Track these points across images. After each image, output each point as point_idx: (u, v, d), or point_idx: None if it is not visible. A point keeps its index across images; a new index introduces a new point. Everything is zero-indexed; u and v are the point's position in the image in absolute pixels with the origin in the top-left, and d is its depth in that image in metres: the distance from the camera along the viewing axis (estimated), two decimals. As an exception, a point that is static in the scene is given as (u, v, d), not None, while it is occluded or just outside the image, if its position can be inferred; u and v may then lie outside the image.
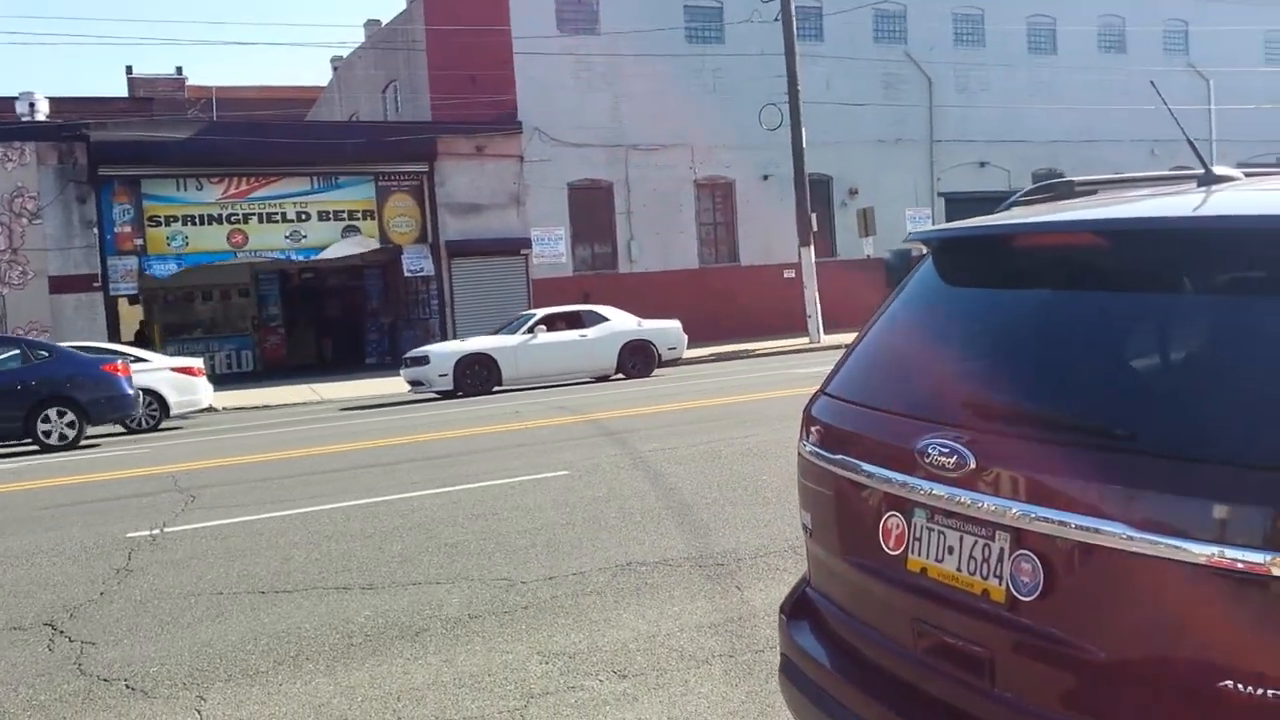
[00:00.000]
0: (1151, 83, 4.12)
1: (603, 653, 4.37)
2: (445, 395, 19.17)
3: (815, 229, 27.02)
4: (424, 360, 19.23)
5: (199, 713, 4.04)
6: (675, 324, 21.52)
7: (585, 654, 4.38)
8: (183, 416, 18.51)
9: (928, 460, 2.15)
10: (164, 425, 17.70)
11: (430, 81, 31.08)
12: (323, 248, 28.40)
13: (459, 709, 3.91)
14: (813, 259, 26.47)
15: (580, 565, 5.75)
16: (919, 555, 2.25)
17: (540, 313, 20.67)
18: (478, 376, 19.10)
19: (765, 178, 32.17)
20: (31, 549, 7.26)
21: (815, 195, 28.99)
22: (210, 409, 19.09)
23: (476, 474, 9.17)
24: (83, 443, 14.98)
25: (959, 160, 34.54)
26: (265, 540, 7.05)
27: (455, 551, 6.29)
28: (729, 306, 30.41)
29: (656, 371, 20.79)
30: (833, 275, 29.40)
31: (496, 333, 20.70)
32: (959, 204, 33.37)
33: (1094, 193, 2.72)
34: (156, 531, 7.59)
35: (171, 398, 17.50)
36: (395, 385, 21.46)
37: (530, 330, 19.82)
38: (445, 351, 19.45)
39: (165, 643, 4.93)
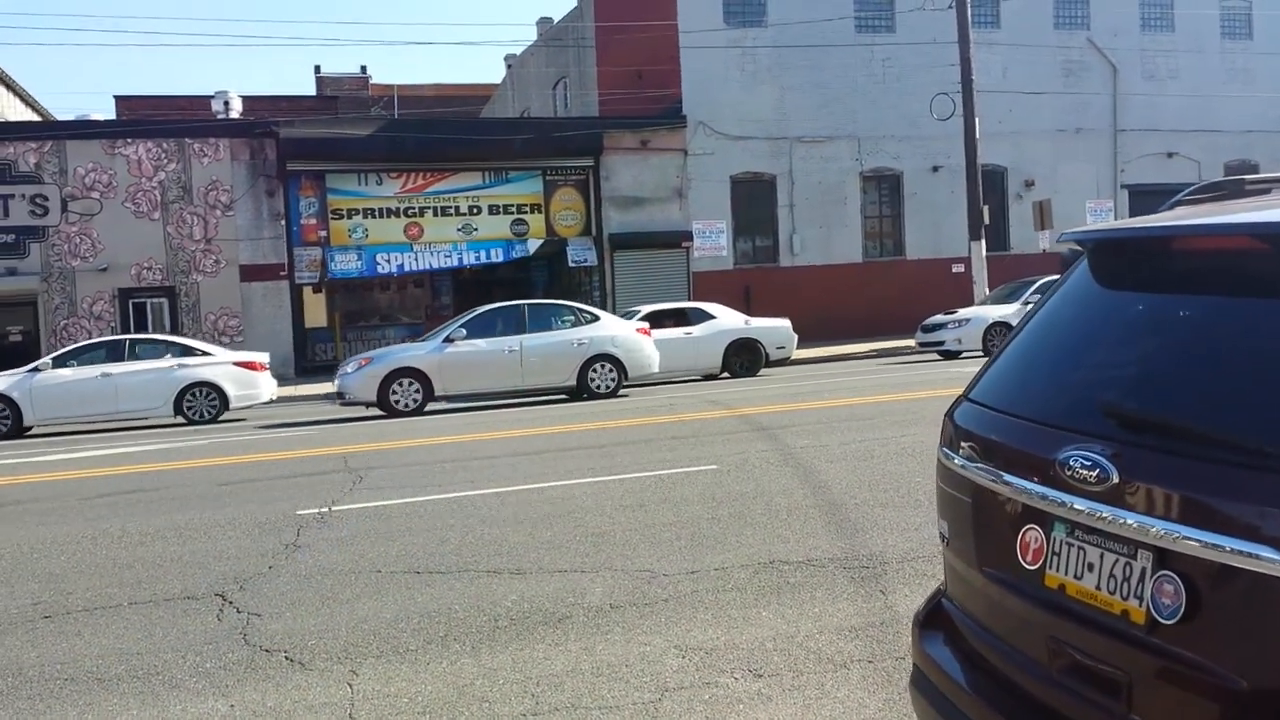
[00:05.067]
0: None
1: (740, 650, 4.35)
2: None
3: (987, 222, 26.12)
4: None
5: (351, 686, 4.22)
6: (784, 323, 21.05)
7: (722, 650, 4.36)
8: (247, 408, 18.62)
9: (1069, 472, 2.06)
10: (224, 418, 17.90)
11: (598, 77, 31.54)
12: (492, 242, 29.18)
13: (595, 698, 3.96)
14: (983, 253, 25.61)
15: (723, 560, 5.74)
16: (1057, 571, 2.15)
17: (645, 309, 20.45)
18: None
19: (935, 169, 31.33)
20: (210, 523, 7.74)
21: (988, 187, 28.09)
22: (271, 401, 18.99)
23: (627, 465, 9.26)
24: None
25: (1144, 151, 32.79)
26: (424, 522, 7.30)
27: (601, 541, 6.38)
28: (893, 302, 29.76)
29: (764, 371, 20.33)
30: (1006, 270, 28.40)
31: None
32: (1144, 196, 31.70)
33: (1267, 192, 2.54)
34: (325, 510, 7.97)
35: (231, 391, 17.75)
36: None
37: None
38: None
39: (325, 617, 5.17)
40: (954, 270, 30.18)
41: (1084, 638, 2.06)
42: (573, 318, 17.59)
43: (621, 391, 17.40)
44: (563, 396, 17.56)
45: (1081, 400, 2.28)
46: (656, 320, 20.02)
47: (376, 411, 16.63)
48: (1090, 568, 2.06)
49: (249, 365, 18.33)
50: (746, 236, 30.89)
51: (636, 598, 5.15)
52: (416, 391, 16.42)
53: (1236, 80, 33.23)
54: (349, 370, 16.75)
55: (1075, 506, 2.06)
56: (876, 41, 31.07)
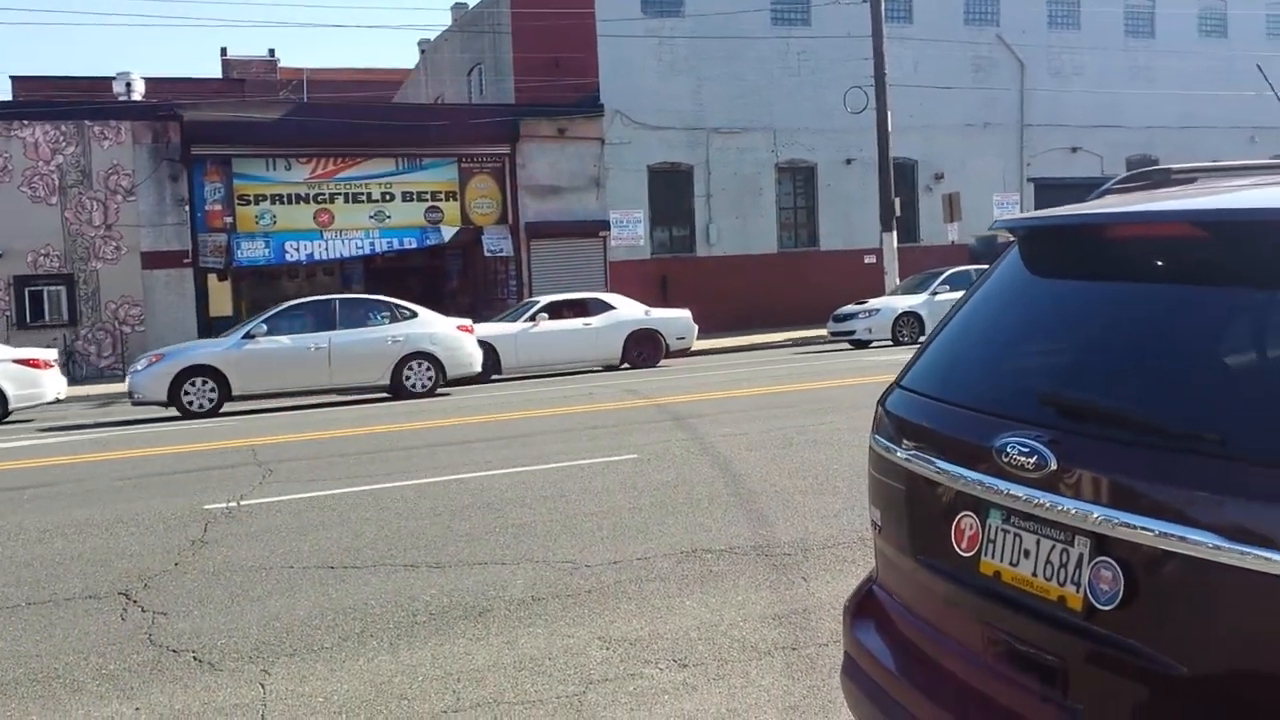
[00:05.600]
0: (1258, 66, 3.90)
1: (664, 640, 4.31)
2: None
3: (898, 214, 26.58)
4: None
5: (263, 687, 4.08)
6: (684, 313, 21.01)
7: (646, 641, 4.32)
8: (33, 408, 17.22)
9: (1006, 459, 2.04)
10: (6, 420, 16.49)
11: (514, 64, 31.24)
12: (405, 230, 28.73)
13: (518, 692, 3.88)
14: (894, 244, 26.04)
15: (645, 550, 5.69)
16: (993, 558, 2.14)
17: (544, 300, 20.24)
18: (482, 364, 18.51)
19: (848, 162, 31.71)
20: (112, 519, 7.44)
21: (900, 180, 28.52)
22: (58, 401, 17.30)
23: (547, 455, 9.17)
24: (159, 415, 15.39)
25: (1050, 145, 33.64)
26: (338, 515, 7.12)
27: (522, 532, 6.28)
28: (807, 292, 30.05)
29: (665, 362, 20.32)
30: (916, 261, 28.89)
31: (499, 320, 20.28)
32: (1049, 190, 32.53)
33: (1192, 181, 2.56)
34: (233, 504, 7.73)
35: (10, 391, 16.20)
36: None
37: (532, 318, 19.31)
38: None
39: (234, 615, 4.99)
40: (866, 261, 30.61)
41: (1020, 624, 2.05)
42: (389, 314, 16.88)
43: (441, 391, 16.72)
44: (384, 396, 16.82)
45: (1017, 388, 2.28)
46: (556, 311, 19.79)
47: (173, 412, 15.53)
48: (1026, 554, 2.05)
49: (31, 363, 16.73)
50: (664, 226, 30.91)
51: (559, 589, 5.08)
52: (212, 390, 15.46)
53: (1139, 78, 34.26)
54: (139, 368, 15.75)
55: (1012, 493, 2.05)
56: (792, 34, 31.31)
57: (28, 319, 26.06)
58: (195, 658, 4.43)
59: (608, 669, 4.04)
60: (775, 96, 31.08)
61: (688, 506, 6.73)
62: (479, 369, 17.35)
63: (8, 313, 25.84)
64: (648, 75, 30.05)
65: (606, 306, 20.13)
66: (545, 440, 10.22)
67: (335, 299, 17.34)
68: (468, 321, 17.96)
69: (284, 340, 15.96)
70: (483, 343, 18.56)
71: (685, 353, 21.01)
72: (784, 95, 31.13)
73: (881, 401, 2.70)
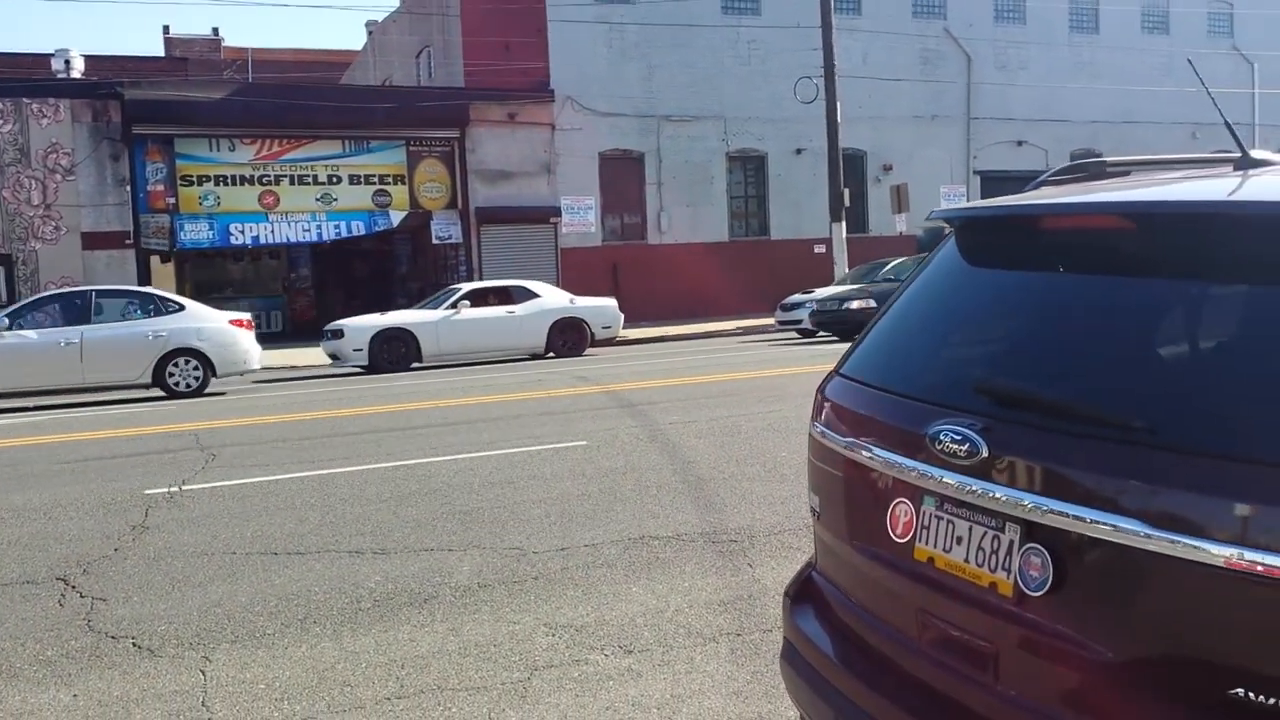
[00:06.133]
0: (1189, 61, 3.99)
1: (610, 627, 4.34)
2: (366, 371, 18.44)
3: (848, 204, 26.79)
4: (339, 334, 18.48)
5: (203, 673, 4.04)
6: (610, 302, 21.00)
7: (592, 627, 4.34)
8: None
9: (939, 447, 2.07)
10: None
11: (464, 48, 30.95)
12: (353, 213, 28.42)
13: (462, 678, 3.88)
14: (844, 234, 26.25)
15: (593, 537, 5.71)
16: (926, 544, 2.18)
17: (466, 287, 20.08)
18: (395, 352, 18.38)
19: (798, 152, 31.88)
20: (50, 503, 7.31)
21: (849, 170, 28.72)
22: None
23: (495, 441, 9.15)
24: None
25: (996, 138, 34.08)
26: (282, 501, 7.06)
27: (469, 519, 6.28)
28: (758, 280, 30.21)
29: (590, 351, 20.28)
30: (865, 251, 29.15)
31: (421, 307, 20.03)
32: (995, 182, 32.96)
33: (1127, 174, 2.62)
34: (175, 489, 7.63)
35: None
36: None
37: (454, 305, 19.04)
38: (361, 325, 18.63)
39: (175, 601, 4.94)
40: (816, 251, 30.82)
41: (953, 610, 2.09)
42: (153, 307, 15.89)
43: (211, 390, 15.97)
44: (155, 394, 16.06)
45: (952, 376, 2.31)
46: (479, 298, 19.55)
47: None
48: (959, 540, 2.09)
49: None
50: (615, 213, 30.87)
51: (505, 576, 5.08)
52: None
53: (1084, 73, 34.80)
54: None
55: (945, 480, 2.08)
56: (743, 23, 31.36)
57: (-37, 300, 25.40)
58: (135, 644, 4.38)
59: (553, 655, 4.06)
60: (726, 85, 31.13)
61: (636, 493, 6.76)
62: (256, 366, 16.53)
63: (-58, 293, 25.17)
64: (599, 62, 29.96)
65: (531, 294, 19.93)
66: (493, 427, 10.19)
67: (91, 290, 16.29)
68: (245, 315, 17.00)
69: (30, 335, 14.94)
70: (403, 330, 18.43)
71: (611, 341, 20.95)
72: (735, 84, 31.19)
73: (821, 389, 2.73)
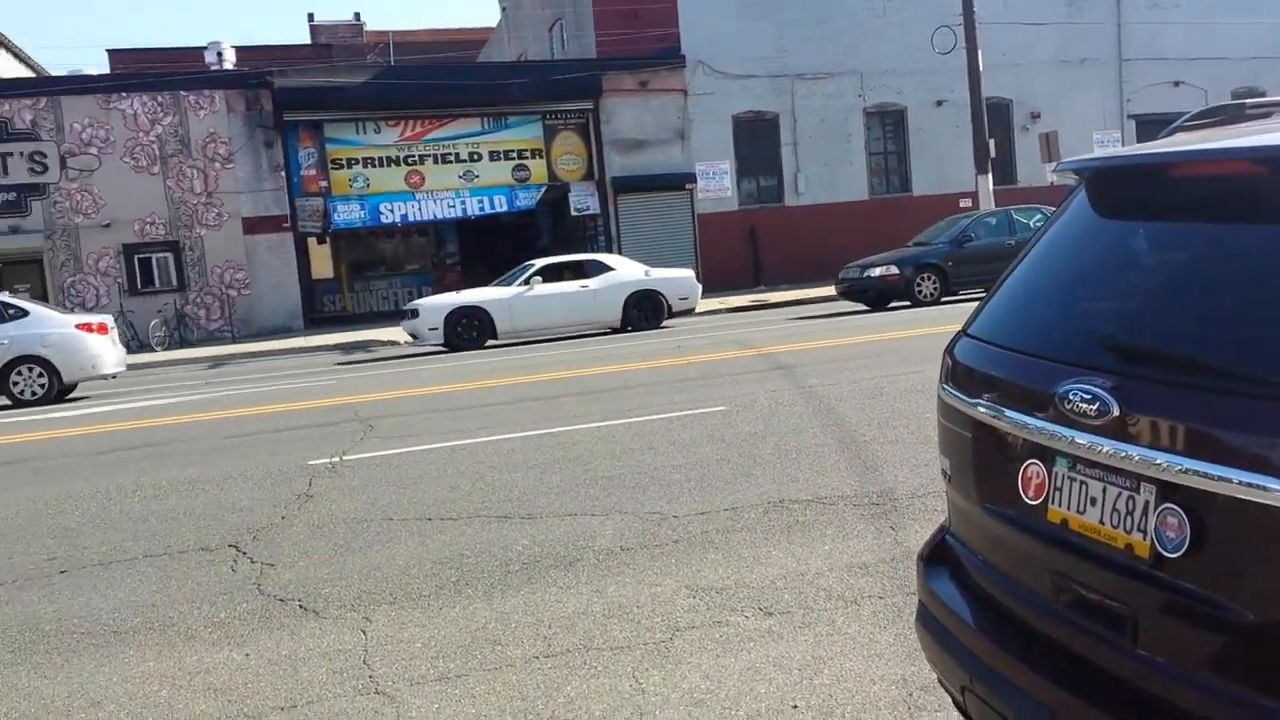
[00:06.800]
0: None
1: (750, 589, 4.39)
2: (446, 349, 18.50)
3: (993, 155, 25.91)
4: (415, 314, 18.62)
5: (364, 633, 4.27)
6: (687, 273, 20.43)
7: (732, 590, 4.40)
8: None
9: (1069, 406, 2.04)
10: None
11: (595, 18, 31.13)
12: (494, 189, 29.04)
13: (606, 638, 4.00)
14: (990, 187, 25.42)
15: (733, 501, 5.77)
16: (1059, 506, 2.15)
17: (540, 263, 19.65)
18: (469, 330, 18.43)
19: (939, 104, 30.99)
20: (222, 475, 7.79)
21: (994, 120, 27.78)
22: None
23: (635, 408, 9.29)
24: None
25: (1150, 80, 32.37)
26: (434, 469, 7.35)
27: (611, 484, 6.41)
28: (900, 239, 29.56)
29: (667, 323, 19.93)
30: (1014, 203, 28.19)
31: (495, 285, 19.87)
32: (1152, 126, 31.30)
33: (1268, 115, 2.49)
34: (336, 459, 8.02)
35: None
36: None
37: (526, 282, 18.89)
38: (435, 305, 18.74)
39: (337, 565, 5.22)
40: (961, 205, 29.94)
41: (1088, 572, 2.06)
42: None
43: (64, 396, 15.47)
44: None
45: (1081, 332, 2.27)
46: (553, 273, 19.34)
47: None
48: (1093, 502, 2.06)
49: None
50: (750, 177, 30.64)
51: (646, 540, 5.19)
52: None
53: (1240, 6, 32.65)
54: None
55: (1076, 441, 2.05)
56: (877, -27, 30.57)
57: (139, 285, 27.11)
58: (301, 606, 4.66)
59: (694, 616, 4.14)
60: (860, 39, 30.44)
61: (775, 457, 6.78)
62: (109, 371, 15.77)
63: (120, 280, 26.91)
64: (729, 23, 29.67)
65: (605, 268, 19.63)
66: (632, 394, 10.33)
67: None
68: (98, 319, 16.17)
69: None
70: (476, 308, 18.44)
71: (689, 313, 20.44)
72: (869, 37, 30.47)
73: (949, 349, 2.71)
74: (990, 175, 25.52)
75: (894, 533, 4.99)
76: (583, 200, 29.67)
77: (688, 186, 29.85)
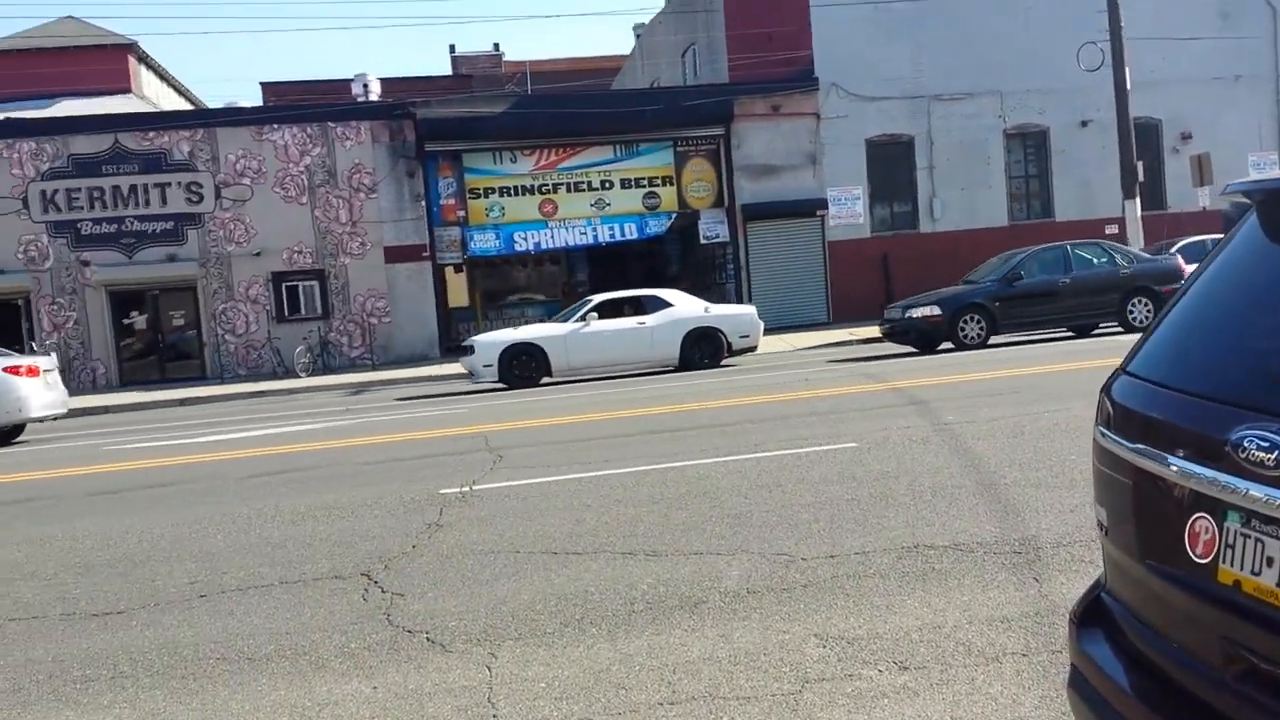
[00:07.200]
0: None
1: (883, 640, 4.20)
2: (504, 386, 18.24)
3: (1141, 179, 24.84)
4: (470, 350, 18.47)
5: (489, 669, 4.24)
6: (749, 310, 19.72)
7: (865, 640, 4.22)
8: None
9: (1243, 454, 1.86)
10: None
11: (727, 42, 31.19)
12: (625, 216, 29.29)
13: (733, 687, 3.87)
14: (1138, 212, 24.37)
15: (864, 544, 5.57)
16: (1231, 565, 1.95)
17: (598, 298, 19.21)
18: (525, 368, 18.19)
19: (1084, 124, 29.94)
20: (357, 502, 7.95)
21: (1142, 142, 26.69)
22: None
23: (762, 443, 9.13)
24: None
25: (1315, 96, 30.60)
26: (561, 501, 7.34)
27: (738, 522, 6.28)
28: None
29: (728, 362, 19.32)
30: (1163, 230, 26.98)
31: (553, 321, 19.63)
32: (1315, 146, 29.63)
33: None
34: (466, 489, 8.09)
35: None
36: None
37: (583, 318, 18.53)
38: (491, 341, 18.51)
39: (465, 598, 5.22)
40: (1107, 231, 28.83)
41: (1264, 640, 1.86)
42: None
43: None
44: None
45: (1256, 372, 2.06)
46: (611, 309, 18.93)
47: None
48: (1269, 563, 1.86)
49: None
50: (884, 202, 30.13)
51: (774, 582, 5.04)
52: None
53: None
54: None
55: (1251, 494, 1.86)
56: (1018, -8, 29.78)
57: (286, 313, 28.22)
58: (429, 638, 4.67)
59: (824, 668, 3.98)
60: (1001, 58, 29.66)
61: (909, 499, 6.54)
62: (35, 415, 15.42)
63: (268, 307, 28.06)
64: (863, 44, 29.31)
65: (664, 304, 19.12)
66: (757, 428, 10.17)
67: None
68: (30, 361, 15.77)
69: None
70: (531, 345, 18.23)
71: (750, 351, 19.75)
72: (1010, 56, 29.67)
73: (1106, 389, 2.52)
74: (1138, 200, 24.48)
75: (1038, 584, 4.72)
76: (712, 228, 29.64)
77: (819, 213, 29.52)
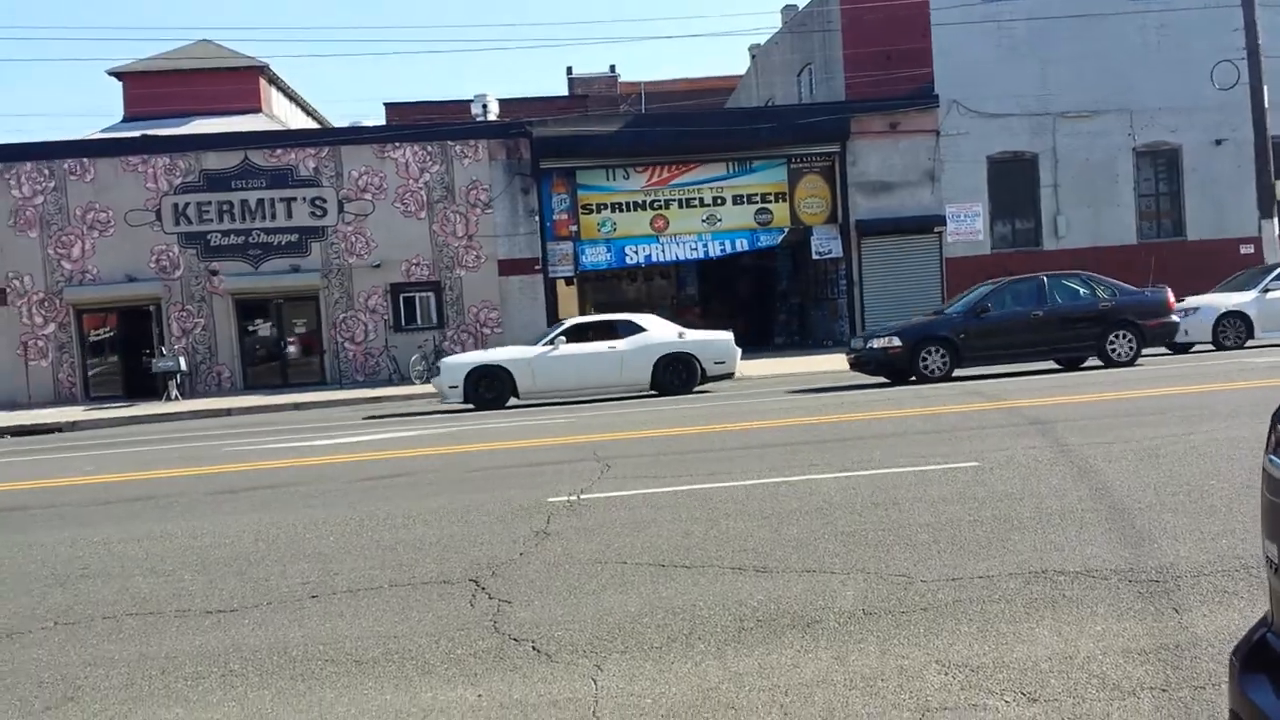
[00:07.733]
0: None
1: (1010, 669, 3.96)
2: (471, 407, 18.29)
3: (1279, 199, 23.67)
4: (438, 371, 18.66)
5: (595, 682, 4.14)
6: (725, 336, 19.11)
7: (990, 669, 3.99)
8: None
9: None
10: None
11: (845, 61, 30.83)
12: (736, 232, 29.18)
13: (849, 713, 3.69)
14: (1275, 233, 23.24)
15: (987, 568, 5.30)
16: None
17: (570, 322, 19.29)
18: (491, 389, 18.14)
19: (1218, 143, 28.72)
20: (466, 507, 7.96)
21: (1280, 161, 25.41)
22: None
23: (878, 460, 8.86)
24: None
25: None
26: (669, 513, 7.22)
27: (852, 540, 6.06)
28: (1172, 285, 27.42)
29: (701, 388, 18.77)
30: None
31: (523, 345, 19.61)
32: None
33: None
34: (574, 497, 8.04)
35: None
36: (801, 365, 21.50)
37: (551, 341, 18.48)
38: (457, 363, 18.56)
39: (571, 607, 5.14)
40: (1242, 251, 27.57)
41: None
42: None
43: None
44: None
45: None
46: (580, 334, 18.78)
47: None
48: None
49: None
50: (1005, 219, 29.36)
51: (892, 604, 4.82)
52: None
53: None
54: None
55: None
56: (1150, 7, 28.76)
57: (403, 322, 28.91)
58: (534, 647, 4.59)
59: (946, 696, 3.76)
60: (1131, 75, 28.67)
61: (1036, 521, 6.23)
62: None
63: (386, 317, 28.77)
64: (986, 61, 28.67)
65: (636, 328, 18.81)
66: (870, 445, 9.90)
67: None
68: None
69: None
70: (497, 367, 18.15)
71: (729, 377, 19.22)
72: (1141, 73, 28.65)
73: (1277, 415, 2.29)
74: (1276, 220, 23.34)
75: (1177, 615, 4.41)
76: (824, 244, 29.28)
77: (936, 229, 28.92)
